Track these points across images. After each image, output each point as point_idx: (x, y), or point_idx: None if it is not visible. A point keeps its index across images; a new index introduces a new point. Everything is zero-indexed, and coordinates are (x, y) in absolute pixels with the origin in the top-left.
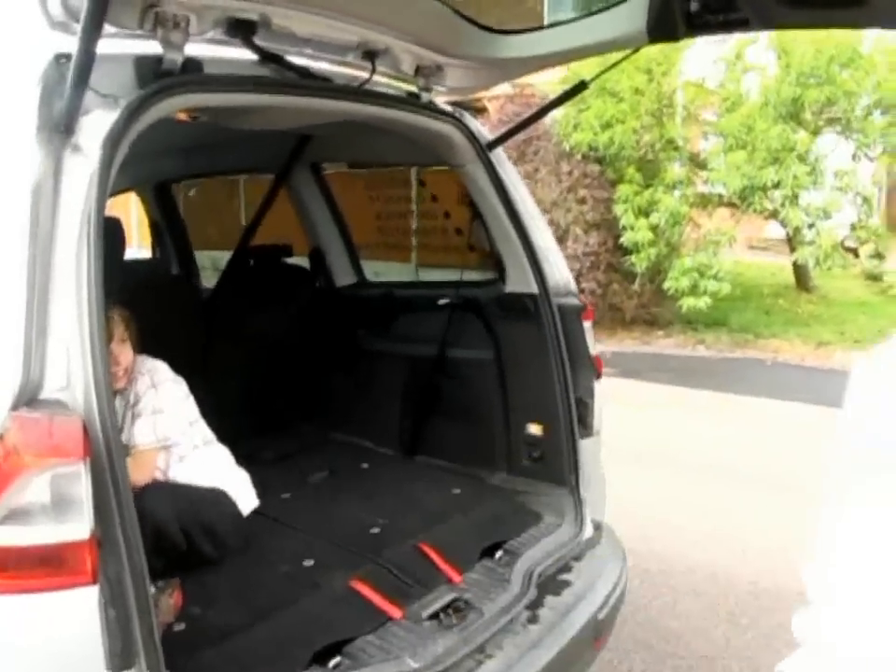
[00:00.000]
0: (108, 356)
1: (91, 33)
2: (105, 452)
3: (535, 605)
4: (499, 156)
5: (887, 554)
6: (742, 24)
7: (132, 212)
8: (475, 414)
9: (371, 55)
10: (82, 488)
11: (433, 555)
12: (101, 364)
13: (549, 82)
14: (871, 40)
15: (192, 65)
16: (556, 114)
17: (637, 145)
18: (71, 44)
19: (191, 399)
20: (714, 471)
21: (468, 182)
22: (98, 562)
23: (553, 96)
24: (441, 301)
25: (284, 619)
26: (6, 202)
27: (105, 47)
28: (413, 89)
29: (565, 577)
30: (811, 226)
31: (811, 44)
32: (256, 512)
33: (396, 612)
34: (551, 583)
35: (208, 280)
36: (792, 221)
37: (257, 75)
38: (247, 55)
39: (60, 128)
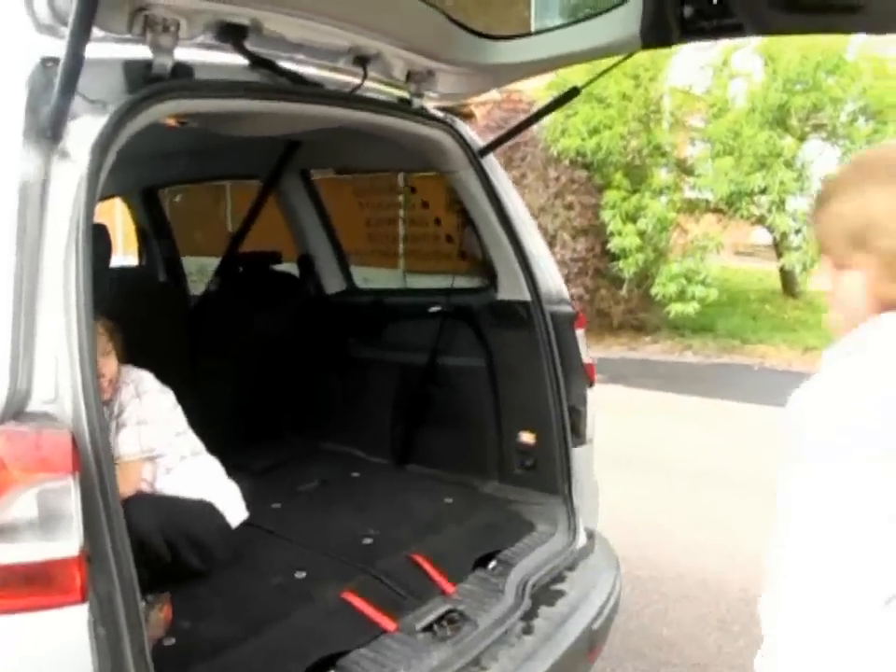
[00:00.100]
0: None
1: (80, 36)
2: (94, 465)
3: (529, 616)
4: (491, 162)
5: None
6: (736, 30)
7: (116, 218)
8: (467, 423)
9: (362, 60)
10: (71, 503)
11: (426, 566)
12: (90, 375)
13: (536, 88)
14: (856, 47)
15: (182, 70)
16: (544, 119)
17: (625, 150)
18: (58, 47)
19: (179, 410)
20: (704, 478)
21: (459, 189)
22: (87, 579)
23: (540, 102)
24: (433, 309)
25: (276, 632)
26: None
27: (92, 51)
28: (405, 94)
29: (559, 587)
30: (798, 231)
31: (797, 50)
32: (246, 523)
33: (389, 625)
34: (545, 594)
35: (196, 287)
36: (779, 227)
37: (248, 80)
38: (238, 60)
39: (47, 133)
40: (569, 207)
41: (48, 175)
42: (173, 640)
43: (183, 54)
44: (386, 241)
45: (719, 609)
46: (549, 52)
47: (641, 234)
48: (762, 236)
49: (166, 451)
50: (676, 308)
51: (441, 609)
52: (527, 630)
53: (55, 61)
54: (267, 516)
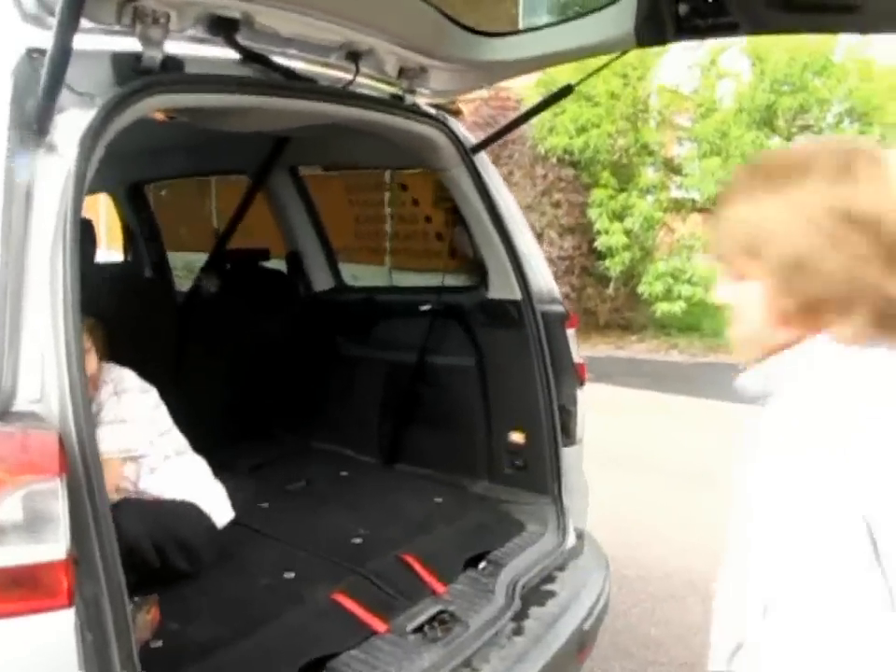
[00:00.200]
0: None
1: (67, 27)
2: (81, 466)
3: (520, 616)
4: (483, 160)
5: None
6: (731, 28)
7: (100, 213)
8: (456, 422)
9: (354, 56)
10: (58, 506)
11: (416, 566)
12: (77, 374)
13: (525, 85)
14: (843, 49)
15: (173, 64)
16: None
17: (612, 149)
18: (44, 38)
19: (162, 409)
20: (691, 477)
21: (451, 186)
22: (74, 583)
23: (528, 99)
24: (423, 307)
25: (266, 634)
26: None
27: (80, 42)
28: (397, 91)
29: (549, 587)
30: None
31: (785, 51)
32: (234, 523)
33: (380, 626)
34: (535, 594)
35: (182, 283)
36: None
37: (239, 75)
38: (229, 54)
39: (33, 127)
40: (556, 205)
41: (34, 169)
42: (160, 643)
43: (173, 48)
44: (376, 238)
45: (706, 608)
46: (543, 49)
47: (628, 233)
48: None
49: (147, 450)
50: (662, 307)
51: (432, 610)
52: (518, 631)
53: (41, 52)
54: (255, 516)
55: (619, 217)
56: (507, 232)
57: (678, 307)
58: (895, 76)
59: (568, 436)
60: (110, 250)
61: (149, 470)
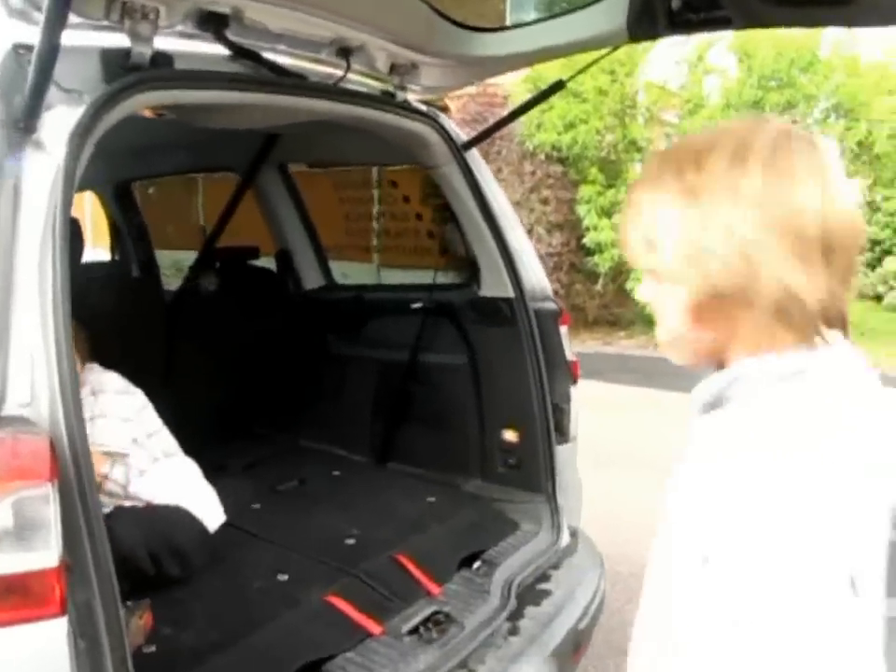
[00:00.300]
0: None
1: (55, 22)
2: (73, 471)
3: (515, 616)
4: (474, 157)
5: None
6: (724, 23)
7: (85, 211)
8: (449, 420)
9: (345, 52)
10: (50, 512)
11: (411, 567)
12: (68, 376)
13: (512, 82)
14: (829, 44)
15: (162, 60)
16: None
17: (600, 145)
18: (31, 34)
19: (149, 410)
20: None
21: (442, 183)
22: (67, 590)
23: (515, 95)
24: (415, 305)
25: (259, 637)
26: None
27: (67, 38)
28: (388, 87)
29: (544, 586)
30: None
31: (772, 48)
32: (226, 525)
33: (375, 628)
34: (530, 593)
35: (170, 282)
36: None
37: (229, 71)
38: (219, 50)
39: (20, 124)
40: (545, 202)
41: (21, 167)
42: (153, 648)
43: (162, 43)
44: (366, 236)
45: None
46: (535, 45)
47: (616, 229)
48: None
49: (128, 448)
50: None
51: (427, 611)
52: (513, 631)
53: (28, 48)
54: (247, 517)
55: (607, 213)
56: (499, 229)
57: None
58: (881, 72)
59: (562, 434)
60: (96, 249)
61: (139, 473)
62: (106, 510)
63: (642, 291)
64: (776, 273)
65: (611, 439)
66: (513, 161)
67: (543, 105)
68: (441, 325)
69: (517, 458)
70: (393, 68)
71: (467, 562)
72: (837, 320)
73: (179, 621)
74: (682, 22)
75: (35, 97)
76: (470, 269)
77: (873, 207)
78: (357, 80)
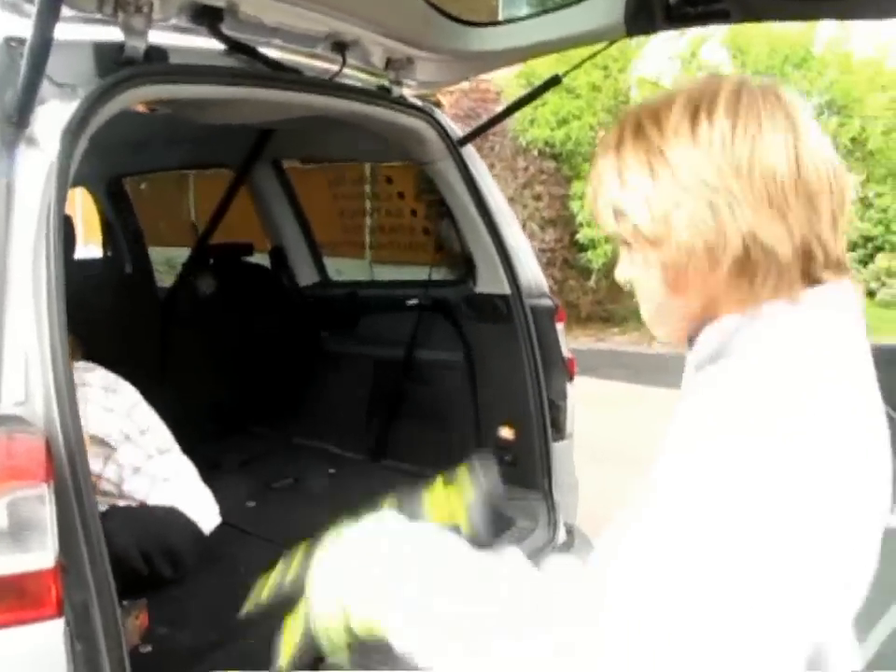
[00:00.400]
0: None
1: (48, 15)
2: (69, 471)
3: None
4: (470, 153)
5: None
6: (723, 16)
7: (77, 208)
8: (444, 417)
9: (340, 47)
10: (45, 513)
11: None
12: (63, 375)
13: (505, 77)
14: (823, 41)
15: (156, 54)
16: None
17: (594, 141)
18: (23, 27)
19: (141, 407)
20: None
21: (438, 179)
22: (63, 592)
23: (508, 91)
24: (410, 302)
25: (256, 636)
26: None
27: (59, 31)
28: (384, 82)
29: None
30: None
31: (765, 44)
32: (222, 522)
33: None
34: None
35: (163, 279)
36: None
37: (224, 65)
38: (214, 44)
39: (12, 119)
40: (538, 198)
41: (13, 163)
42: (149, 648)
43: (156, 37)
44: (360, 232)
45: None
46: (531, 39)
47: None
48: None
49: (110, 435)
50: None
51: None
52: None
53: (21, 41)
54: (242, 515)
55: None
56: (495, 226)
57: None
58: (874, 68)
59: (558, 431)
60: (87, 245)
61: (132, 471)
62: (101, 508)
63: (620, 271)
64: (743, 224)
65: (606, 435)
66: (506, 156)
67: (537, 101)
68: (437, 321)
69: (513, 455)
70: (389, 63)
71: None
72: (833, 264)
73: (175, 620)
74: (680, 16)
75: (27, 91)
76: (466, 265)
77: (865, 203)
78: (353, 76)
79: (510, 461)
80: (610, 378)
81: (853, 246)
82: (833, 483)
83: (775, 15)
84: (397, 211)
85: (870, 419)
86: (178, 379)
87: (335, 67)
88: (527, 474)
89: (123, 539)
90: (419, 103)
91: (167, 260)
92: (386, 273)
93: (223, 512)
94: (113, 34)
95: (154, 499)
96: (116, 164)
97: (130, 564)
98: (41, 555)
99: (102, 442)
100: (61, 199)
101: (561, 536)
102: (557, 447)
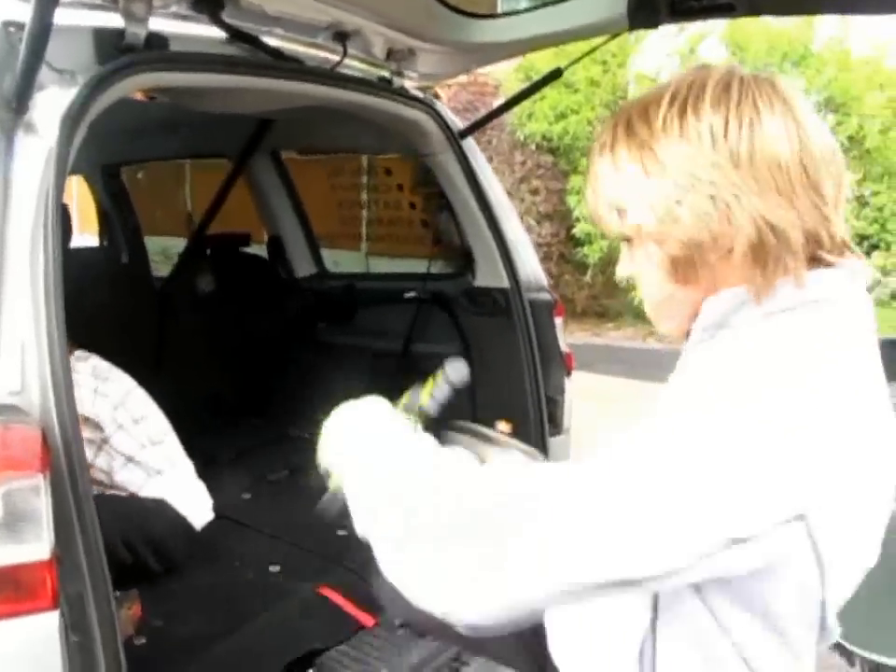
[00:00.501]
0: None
1: (48, 0)
2: (65, 462)
3: None
4: (470, 145)
5: None
6: (727, 10)
7: (73, 196)
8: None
9: (342, 37)
10: (41, 504)
11: None
12: (60, 364)
13: (503, 71)
14: (822, 39)
15: (157, 41)
16: None
17: (592, 136)
18: (22, 11)
19: (135, 396)
20: None
21: (438, 172)
22: (58, 583)
23: (506, 84)
24: (408, 295)
25: (252, 629)
26: None
27: (59, 16)
28: (385, 74)
29: None
30: None
31: (764, 41)
32: (217, 515)
33: (368, 620)
34: None
35: (159, 268)
36: None
37: (226, 54)
38: (214, 32)
39: (11, 105)
40: (535, 192)
41: (12, 149)
42: (144, 640)
43: (157, 24)
44: (358, 224)
45: None
46: (534, 31)
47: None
48: None
49: (103, 418)
50: (640, 294)
51: None
52: None
53: (20, 26)
54: (237, 507)
55: None
56: (495, 219)
57: None
58: (872, 66)
59: (556, 426)
60: (82, 234)
61: (125, 461)
62: None
63: (620, 269)
64: (754, 211)
65: (601, 430)
66: (504, 150)
67: (535, 95)
68: (435, 314)
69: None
70: (390, 54)
71: None
72: (838, 247)
73: (171, 613)
74: (684, 10)
75: (26, 77)
76: (464, 258)
77: (861, 202)
78: (355, 66)
79: None
80: (607, 373)
81: None
82: (814, 464)
83: (779, 9)
84: (398, 203)
85: (872, 407)
86: (174, 369)
87: (336, 58)
88: None
89: (105, 527)
90: (420, 94)
91: (163, 250)
92: (387, 266)
93: (219, 504)
94: (113, 20)
95: (145, 492)
96: (113, 153)
97: (112, 552)
98: (36, 547)
99: (93, 425)
100: (59, 186)
101: None
102: (554, 442)
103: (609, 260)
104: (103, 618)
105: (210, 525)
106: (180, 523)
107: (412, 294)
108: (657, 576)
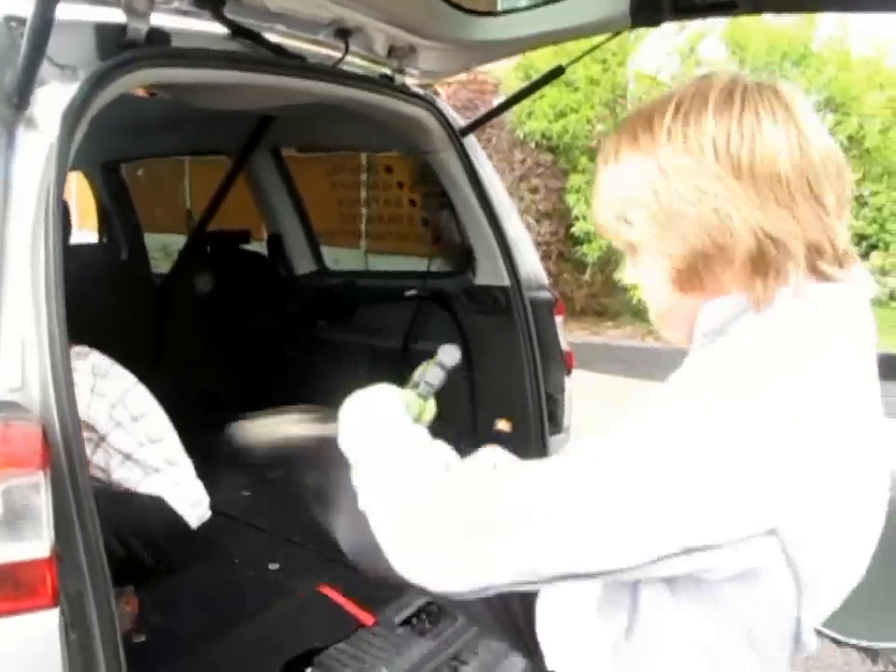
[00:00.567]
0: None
1: None
2: (65, 459)
3: None
4: (472, 143)
5: None
6: (729, 7)
7: (72, 193)
8: (441, 409)
9: (343, 33)
10: (41, 501)
11: None
12: (61, 361)
13: (503, 69)
14: (822, 38)
15: (159, 37)
16: None
17: (591, 134)
18: (23, 6)
19: (134, 393)
20: None
21: (439, 169)
22: (58, 581)
23: (506, 83)
24: (408, 293)
25: (251, 627)
26: None
27: (61, 11)
28: (387, 71)
29: None
30: None
31: (764, 40)
32: (216, 512)
33: (368, 618)
34: None
35: (159, 265)
36: None
37: (228, 50)
38: (216, 28)
39: (12, 100)
40: (534, 191)
41: (13, 145)
42: (143, 637)
43: (159, 20)
44: (359, 221)
45: None
46: (535, 29)
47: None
48: None
49: (99, 419)
50: (638, 293)
51: (420, 602)
52: None
53: (21, 21)
54: (236, 504)
55: None
56: (496, 217)
57: None
58: (872, 66)
59: (556, 424)
60: (82, 231)
61: (122, 458)
62: None
63: (626, 276)
64: (754, 222)
65: (602, 429)
66: (503, 149)
67: (534, 94)
68: (435, 312)
69: (510, 448)
70: (391, 51)
71: None
72: (840, 258)
73: (170, 610)
74: (686, 8)
75: (27, 72)
76: (465, 256)
77: (860, 202)
78: (356, 63)
79: None
80: (605, 372)
81: None
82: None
83: (780, 6)
84: (398, 201)
85: (864, 419)
86: (173, 366)
87: (338, 54)
88: None
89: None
90: (421, 91)
91: (163, 247)
92: (387, 264)
93: (218, 502)
94: (115, 15)
95: (143, 489)
96: (113, 149)
97: (106, 547)
98: (36, 544)
99: (87, 426)
100: (60, 182)
101: None
102: (554, 441)
103: (609, 259)
104: (102, 616)
105: (209, 523)
106: (174, 519)
107: (412, 292)
108: (612, 570)
